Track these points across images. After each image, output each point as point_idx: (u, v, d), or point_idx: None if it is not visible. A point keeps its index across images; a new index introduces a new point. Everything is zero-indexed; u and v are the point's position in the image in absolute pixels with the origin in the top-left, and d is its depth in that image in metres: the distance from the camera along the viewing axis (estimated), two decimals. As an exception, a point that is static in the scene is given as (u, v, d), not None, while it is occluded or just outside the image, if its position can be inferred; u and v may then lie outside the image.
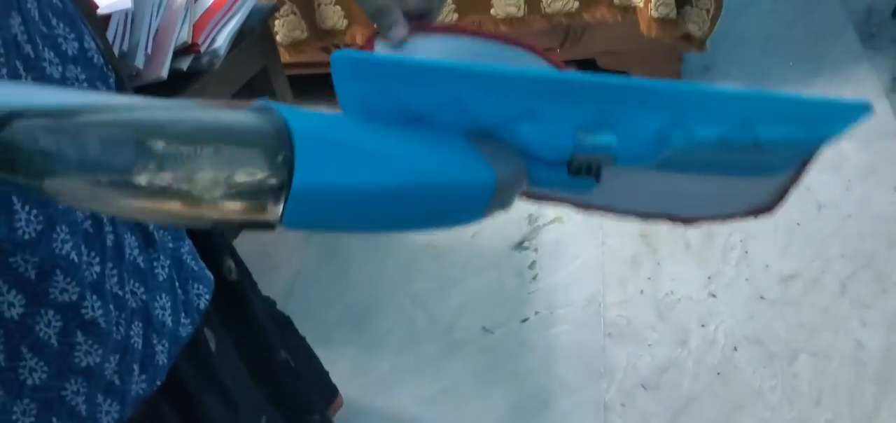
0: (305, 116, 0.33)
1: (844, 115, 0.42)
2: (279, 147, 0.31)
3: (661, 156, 0.40)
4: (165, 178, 0.29)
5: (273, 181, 0.31)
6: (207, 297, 0.77)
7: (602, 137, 0.39)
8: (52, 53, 0.60)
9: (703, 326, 1.36)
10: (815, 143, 0.43)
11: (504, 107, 0.38)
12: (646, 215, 0.51)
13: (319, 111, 0.36)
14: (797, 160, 0.45)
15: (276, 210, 0.31)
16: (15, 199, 0.54)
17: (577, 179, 0.41)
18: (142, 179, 0.29)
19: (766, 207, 0.50)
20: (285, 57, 1.90)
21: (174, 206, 0.30)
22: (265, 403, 0.91)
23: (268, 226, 0.32)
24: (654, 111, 0.39)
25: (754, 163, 0.44)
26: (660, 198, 0.49)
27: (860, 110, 0.41)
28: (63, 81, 0.61)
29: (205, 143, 0.30)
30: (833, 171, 1.61)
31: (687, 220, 0.51)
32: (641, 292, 1.44)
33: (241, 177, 0.30)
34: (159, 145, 0.29)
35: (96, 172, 0.28)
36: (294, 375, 0.98)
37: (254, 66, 1.53)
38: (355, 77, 0.37)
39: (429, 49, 0.50)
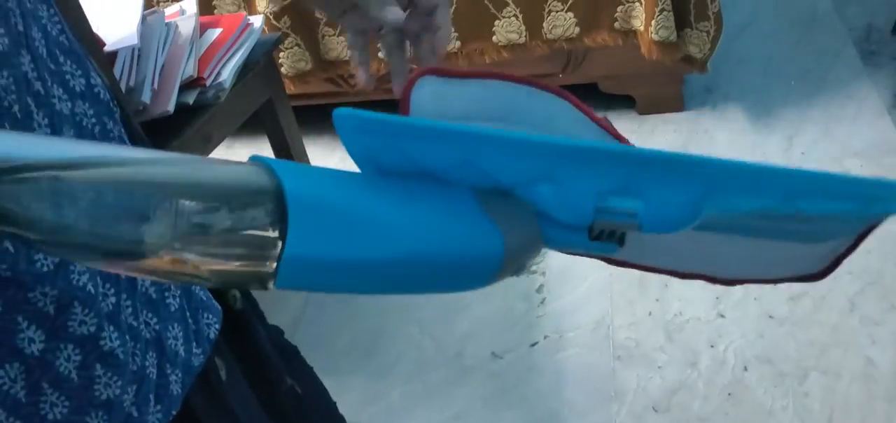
0: (301, 177, 0.32)
1: (890, 192, 0.39)
2: (272, 211, 0.30)
3: (693, 224, 0.38)
4: (158, 242, 0.28)
5: (265, 246, 0.30)
6: (217, 326, 0.77)
7: (626, 203, 0.37)
8: (60, 90, 0.61)
9: (712, 346, 1.36)
10: (872, 218, 0.40)
11: (522, 169, 0.36)
12: (680, 274, 0.48)
13: (317, 167, 0.34)
14: (851, 231, 0.42)
15: (269, 273, 0.30)
16: None
17: (599, 243, 0.38)
18: (131, 245, 0.28)
19: (815, 274, 0.46)
20: (290, 88, 1.92)
21: (166, 267, 0.29)
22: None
23: (261, 286, 0.32)
24: (686, 184, 0.37)
25: (801, 231, 0.41)
26: (696, 257, 0.46)
27: None
28: (72, 117, 0.62)
29: (199, 204, 0.29)
30: (838, 188, 1.61)
31: (727, 281, 0.48)
32: (650, 313, 1.44)
33: (237, 240, 0.30)
34: (156, 209, 0.28)
35: (84, 236, 0.27)
36: (300, 402, 0.98)
37: (259, 99, 1.54)
38: (360, 133, 0.35)
39: (451, 99, 0.46)
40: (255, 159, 0.32)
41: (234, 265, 0.30)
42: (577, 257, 0.42)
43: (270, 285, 0.31)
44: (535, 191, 0.36)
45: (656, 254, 0.45)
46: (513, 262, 0.36)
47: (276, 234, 0.30)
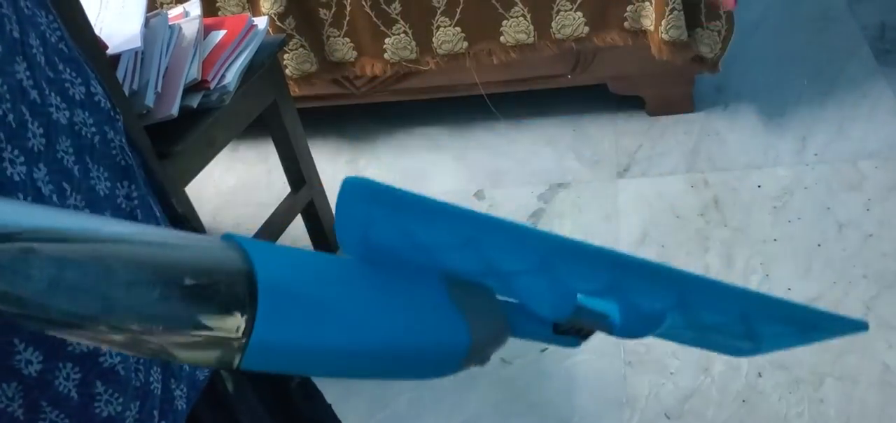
0: (272, 259, 0.32)
1: (841, 328, 0.42)
2: (242, 295, 0.30)
3: (655, 333, 0.40)
4: (118, 327, 0.29)
5: (231, 332, 0.30)
6: (222, 339, 0.75)
7: (603, 306, 0.39)
8: (58, 99, 0.59)
9: (725, 352, 1.33)
10: (805, 342, 0.44)
11: (521, 258, 0.37)
12: None
13: (290, 248, 0.35)
14: (782, 348, 0.46)
15: (234, 361, 0.30)
16: None
17: (562, 338, 0.41)
18: (93, 331, 0.28)
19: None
20: (295, 90, 1.90)
21: (127, 344, 0.29)
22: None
23: (227, 368, 0.32)
24: (663, 291, 0.38)
25: (741, 344, 0.45)
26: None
27: (858, 328, 0.42)
28: (70, 126, 0.60)
29: (162, 289, 0.29)
30: (852, 190, 1.58)
31: None
32: (661, 318, 1.42)
33: (198, 330, 0.30)
34: (119, 296, 0.28)
35: (48, 315, 0.27)
36: (309, 398, 0.97)
37: (264, 101, 1.52)
38: (366, 201, 0.35)
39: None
40: (227, 238, 0.32)
41: (198, 351, 0.30)
42: None
43: (235, 365, 0.31)
44: (523, 282, 0.38)
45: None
46: (478, 353, 0.37)
47: (243, 319, 0.30)
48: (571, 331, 0.40)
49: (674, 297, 0.39)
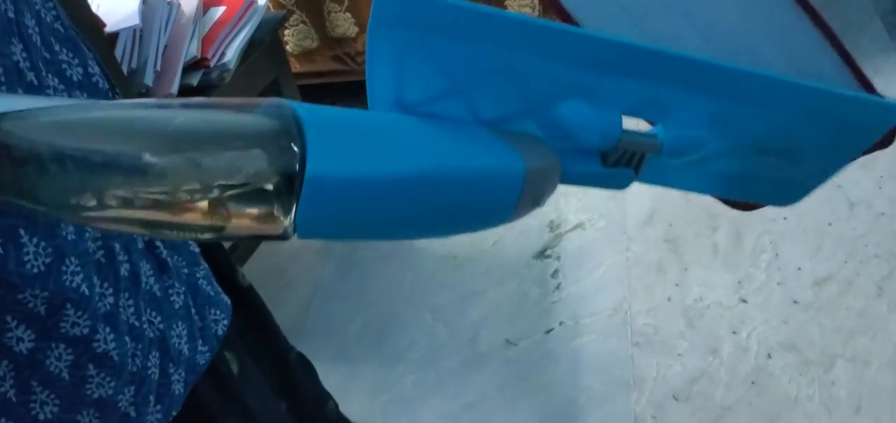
0: (318, 108, 0.30)
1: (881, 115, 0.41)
2: (289, 142, 0.29)
3: (700, 151, 0.38)
4: (167, 187, 0.27)
5: (282, 180, 0.28)
6: (225, 322, 0.74)
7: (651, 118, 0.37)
8: (56, 80, 0.58)
9: (734, 333, 1.31)
10: (850, 155, 0.43)
11: (559, 76, 0.35)
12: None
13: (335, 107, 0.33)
14: (827, 175, 0.44)
15: (289, 214, 0.29)
16: (22, 231, 0.52)
17: (615, 171, 0.38)
18: (140, 190, 0.27)
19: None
20: (296, 66, 1.88)
21: (178, 217, 0.28)
22: (287, 415, 0.89)
23: (282, 236, 0.29)
24: (707, 95, 0.37)
25: (787, 177, 0.43)
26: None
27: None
28: (69, 108, 0.59)
29: (208, 148, 0.28)
30: (863, 168, 1.56)
31: (741, 205, 0.49)
32: (669, 299, 1.40)
33: (248, 181, 0.28)
34: (161, 153, 0.27)
35: (83, 182, 0.27)
36: (308, 368, 0.97)
37: (264, 79, 1.50)
38: (396, 23, 0.32)
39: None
40: (272, 101, 0.31)
41: (249, 211, 0.28)
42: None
43: (293, 222, 0.29)
44: (566, 111, 0.36)
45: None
46: (535, 184, 0.35)
47: (295, 163, 0.28)
48: (621, 161, 0.38)
49: (716, 102, 0.37)
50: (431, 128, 0.34)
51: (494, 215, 0.35)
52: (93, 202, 0.28)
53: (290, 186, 0.28)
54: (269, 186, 0.28)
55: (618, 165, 0.38)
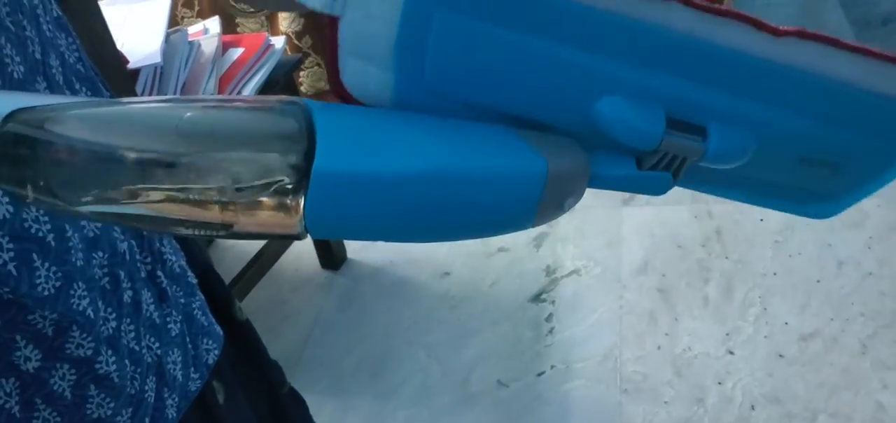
0: (331, 106, 0.30)
1: None
2: (299, 136, 0.28)
3: (744, 157, 0.35)
4: (177, 180, 0.28)
5: (293, 175, 0.28)
6: (216, 352, 0.78)
7: (694, 118, 0.33)
8: None
9: (720, 383, 1.34)
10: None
11: (602, 69, 0.32)
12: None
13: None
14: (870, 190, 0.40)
15: (299, 211, 0.29)
16: (35, 256, 0.56)
17: (652, 174, 0.35)
18: (153, 181, 0.28)
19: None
20: (310, 107, 1.95)
21: (188, 211, 0.28)
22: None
23: (294, 235, 0.30)
24: (754, 93, 0.33)
25: (826, 189, 0.39)
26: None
27: None
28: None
29: (227, 146, 0.28)
30: (854, 228, 1.59)
31: None
32: (659, 347, 1.43)
33: (263, 179, 0.28)
34: (176, 147, 0.28)
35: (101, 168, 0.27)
36: (299, 403, 1.00)
37: (277, 118, 1.56)
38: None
39: None
40: (285, 99, 0.31)
41: (258, 206, 0.28)
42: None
43: (301, 217, 0.29)
44: (602, 106, 0.33)
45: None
46: (558, 187, 0.33)
47: (303, 155, 0.28)
48: (660, 165, 0.35)
49: (767, 107, 0.34)
50: (445, 124, 0.33)
51: (513, 218, 0.32)
52: (111, 196, 0.28)
53: (300, 182, 0.28)
54: (282, 183, 0.28)
55: (655, 168, 0.35)
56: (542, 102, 0.33)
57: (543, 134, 0.34)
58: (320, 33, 1.90)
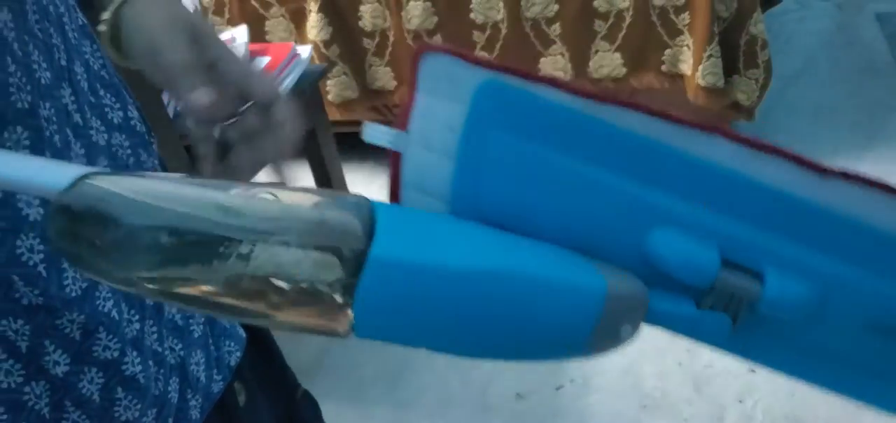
0: (394, 207, 0.31)
1: None
2: (363, 238, 0.28)
3: (806, 309, 0.33)
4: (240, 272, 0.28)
5: (346, 274, 0.28)
6: (238, 354, 0.79)
7: (750, 260, 0.32)
8: (98, 122, 0.64)
9: (740, 402, 1.33)
10: None
11: (656, 201, 0.32)
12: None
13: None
14: None
15: (347, 310, 0.28)
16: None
17: (710, 315, 0.33)
18: (213, 273, 0.28)
19: None
20: (335, 114, 1.96)
21: (244, 303, 0.28)
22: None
23: (339, 332, 0.30)
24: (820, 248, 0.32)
25: None
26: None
27: None
28: (108, 148, 0.65)
29: (288, 240, 0.28)
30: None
31: None
32: (679, 363, 1.42)
33: (314, 280, 0.28)
34: (234, 242, 0.28)
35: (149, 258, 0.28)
36: (313, 405, 1.01)
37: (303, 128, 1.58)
38: (495, 123, 0.31)
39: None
40: (353, 197, 0.32)
41: (309, 306, 0.28)
42: None
43: (350, 319, 0.28)
44: (655, 237, 0.32)
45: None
46: (616, 311, 0.31)
47: (361, 232, 0.28)
48: (718, 305, 0.33)
49: (829, 259, 0.32)
50: (505, 235, 0.32)
51: (566, 340, 0.31)
52: (169, 275, 0.28)
53: (353, 275, 0.28)
54: (333, 283, 0.28)
55: (715, 308, 0.34)
56: (596, 231, 0.33)
57: (602, 262, 0.33)
58: (348, 42, 1.92)
